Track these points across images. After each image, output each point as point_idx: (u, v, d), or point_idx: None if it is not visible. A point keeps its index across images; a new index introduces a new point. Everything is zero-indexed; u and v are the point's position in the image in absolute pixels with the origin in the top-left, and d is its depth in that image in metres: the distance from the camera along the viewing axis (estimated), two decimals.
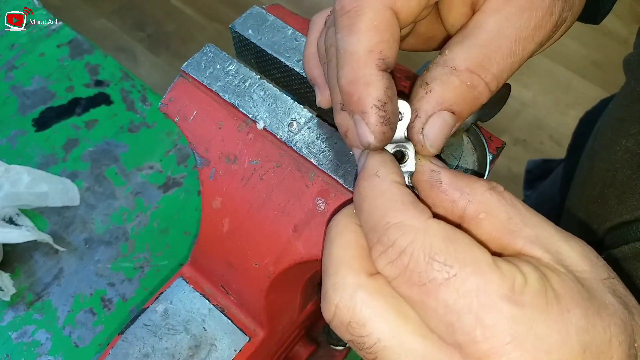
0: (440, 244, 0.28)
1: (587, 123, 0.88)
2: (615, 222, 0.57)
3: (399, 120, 0.33)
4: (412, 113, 0.33)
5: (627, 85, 0.64)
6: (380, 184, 0.31)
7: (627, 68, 0.66)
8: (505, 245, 0.30)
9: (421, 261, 0.28)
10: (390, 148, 0.33)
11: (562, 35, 0.38)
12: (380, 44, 0.31)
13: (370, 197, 0.31)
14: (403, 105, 0.33)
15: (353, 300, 0.29)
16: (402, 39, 0.38)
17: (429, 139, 0.32)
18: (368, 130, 0.31)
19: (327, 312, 0.30)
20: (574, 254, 0.29)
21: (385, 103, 0.31)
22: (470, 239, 0.29)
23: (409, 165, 0.33)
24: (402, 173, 0.32)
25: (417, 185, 0.32)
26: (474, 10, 0.34)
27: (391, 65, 0.32)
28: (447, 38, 0.38)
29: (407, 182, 0.33)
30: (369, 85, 0.31)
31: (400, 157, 0.33)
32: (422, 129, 0.32)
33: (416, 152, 0.33)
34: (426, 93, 0.32)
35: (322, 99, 0.38)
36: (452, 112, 0.32)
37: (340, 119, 0.34)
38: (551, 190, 0.94)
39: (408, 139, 0.33)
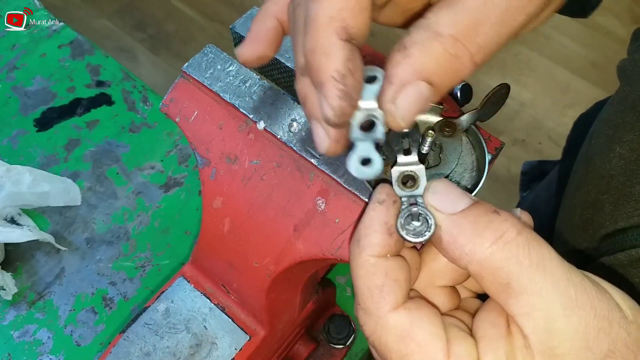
0: (394, 344, 0.31)
1: (582, 126, 0.88)
2: (610, 229, 0.56)
3: (373, 83, 0.30)
4: (385, 80, 0.29)
5: (622, 91, 0.64)
6: (359, 255, 0.32)
7: (622, 74, 0.66)
8: (503, 305, 0.30)
9: (381, 353, 0.32)
10: (361, 116, 0.31)
11: (550, 15, 0.35)
12: (342, 12, 0.28)
13: (353, 263, 0.33)
14: (377, 72, 0.30)
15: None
16: (380, 7, 0.36)
17: (400, 111, 0.29)
18: (326, 103, 0.29)
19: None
20: (570, 332, 0.28)
21: (344, 75, 0.28)
22: (431, 331, 0.30)
23: (421, 188, 0.33)
24: (386, 240, 0.32)
25: None
26: None
27: (357, 35, 0.29)
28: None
29: (416, 203, 0.33)
30: (327, 56, 0.28)
31: (370, 125, 0.31)
32: (395, 98, 0.29)
33: (385, 123, 0.30)
34: (403, 58, 0.28)
35: (242, 52, 0.35)
36: (430, 84, 0.29)
37: (300, 85, 0.32)
38: (547, 193, 0.94)
39: (418, 161, 0.33)
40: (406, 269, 0.33)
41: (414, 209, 0.32)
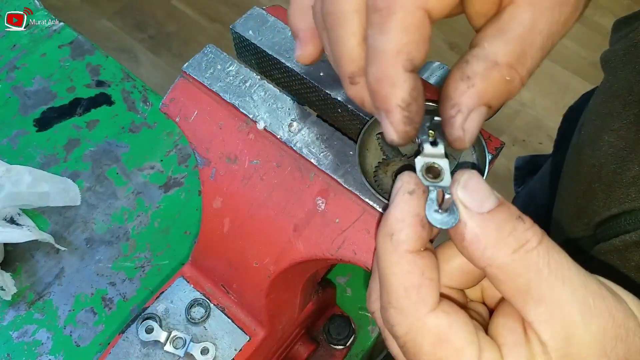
0: (429, 347, 0.30)
1: (571, 118, 0.89)
2: (604, 216, 0.57)
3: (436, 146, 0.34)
4: (452, 107, 0.32)
5: (606, 82, 0.66)
6: (392, 251, 0.31)
7: (605, 64, 0.67)
8: (520, 310, 0.30)
9: (412, 356, 0.31)
10: (422, 161, 0.34)
11: None
12: (408, 45, 0.30)
13: (383, 260, 0.32)
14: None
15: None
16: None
17: (468, 134, 0.32)
18: (392, 129, 0.31)
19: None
20: (588, 339, 0.28)
21: (409, 104, 0.31)
22: (467, 337, 0.30)
23: (445, 181, 0.33)
24: (421, 233, 0.32)
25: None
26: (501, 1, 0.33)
27: (419, 65, 0.31)
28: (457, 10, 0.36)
29: (443, 197, 0.32)
30: (394, 86, 0.31)
31: (433, 171, 0.34)
32: (464, 124, 0.32)
33: (452, 144, 0.33)
34: (468, 88, 0.32)
35: (302, 54, 0.37)
36: (489, 107, 0.32)
37: (354, 92, 0.34)
38: (541, 186, 0.95)
39: (445, 155, 0.34)
40: (437, 267, 0.32)
41: (447, 197, 0.32)
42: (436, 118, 0.38)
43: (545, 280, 0.29)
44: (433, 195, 0.32)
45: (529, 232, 0.30)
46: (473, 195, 0.31)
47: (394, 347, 0.34)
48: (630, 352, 0.29)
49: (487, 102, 0.32)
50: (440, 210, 0.32)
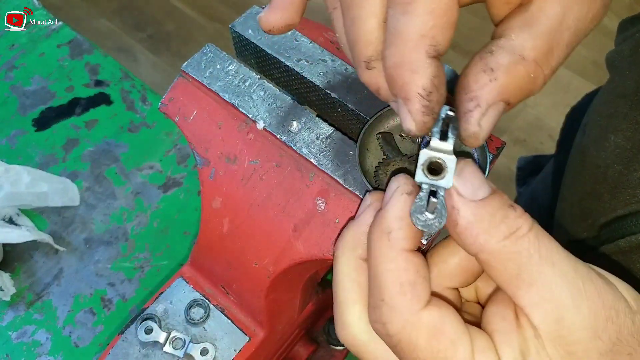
0: (425, 341, 0.30)
1: (574, 118, 0.89)
2: (609, 217, 0.57)
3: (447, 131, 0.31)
4: (470, 100, 0.30)
5: (611, 82, 0.65)
6: (389, 248, 0.31)
7: (611, 65, 0.67)
8: (512, 295, 0.30)
9: (407, 352, 0.31)
10: (427, 155, 0.31)
11: None
12: (434, 29, 0.28)
13: (378, 257, 0.31)
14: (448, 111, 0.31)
15: (355, 342, 0.34)
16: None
17: (483, 131, 0.30)
18: (409, 117, 0.30)
19: (341, 340, 0.35)
20: (579, 321, 0.29)
21: (430, 92, 0.29)
22: (458, 328, 0.30)
23: (446, 181, 0.31)
24: (416, 233, 0.31)
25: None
26: None
27: (443, 52, 0.29)
28: None
29: (439, 195, 0.31)
30: (415, 72, 0.29)
31: (434, 167, 0.31)
32: (481, 120, 0.30)
33: (463, 140, 0.31)
34: (490, 81, 0.29)
35: (267, 19, 0.34)
36: (507, 103, 0.30)
37: (370, 77, 0.32)
38: (543, 186, 0.94)
39: (452, 151, 0.31)
40: (428, 268, 0.32)
41: (433, 200, 0.30)
42: (448, 112, 0.34)
43: (535, 265, 0.29)
44: (423, 195, 0.31)
45: (520, 220, 0.30)
46: (467, 183, 0.31)
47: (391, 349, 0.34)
48: (622, 334, 0.29)
49: (507, 98, 0.30)
50: (426, 212, 0.30)
